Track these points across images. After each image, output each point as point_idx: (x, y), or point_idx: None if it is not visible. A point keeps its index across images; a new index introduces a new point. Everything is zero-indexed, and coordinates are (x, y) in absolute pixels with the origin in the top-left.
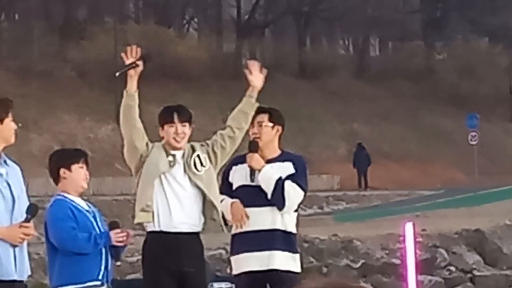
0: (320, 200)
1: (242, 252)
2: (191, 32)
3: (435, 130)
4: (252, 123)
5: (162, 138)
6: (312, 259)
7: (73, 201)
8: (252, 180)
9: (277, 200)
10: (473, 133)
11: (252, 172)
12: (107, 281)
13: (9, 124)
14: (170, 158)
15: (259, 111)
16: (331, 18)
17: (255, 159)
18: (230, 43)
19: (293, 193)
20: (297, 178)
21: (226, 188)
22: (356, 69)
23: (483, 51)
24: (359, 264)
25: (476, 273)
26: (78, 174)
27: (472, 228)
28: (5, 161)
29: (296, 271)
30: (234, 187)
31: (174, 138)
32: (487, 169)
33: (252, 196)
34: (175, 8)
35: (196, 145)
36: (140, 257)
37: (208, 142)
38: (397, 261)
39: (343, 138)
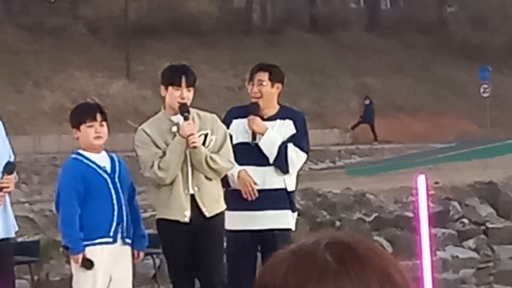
0: (332, 154)
1: (239, 209)
2: None
3: (447, 82)
4: (251, 80)
5: (163, 97)
6: (325, 213)
7: (89, 160)
8: (254, 142)
9: (281, 165)
10: (485, 85)
11: (254, 134)
12: (122, 238)
13: None
14: (174, 128)
15: (259, 69)
16: None
17: (257, 123)
18: None
19: (296, 158)
20: (299, 139)
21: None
22: (367, 23)
23: (495, 2)
24: (372, 218)
25: (489, 225)
26: (86, 134)
27: (485, 180)
28: None
29: (290, 228)
30: (234, 141)
31: (178, 102)
32: (500, 121)
33: (252, 155)
34: None
35: (207, 119)
36: (153, 212)
37: (213, 137)
38: (410, 214)
39: (356, 91)
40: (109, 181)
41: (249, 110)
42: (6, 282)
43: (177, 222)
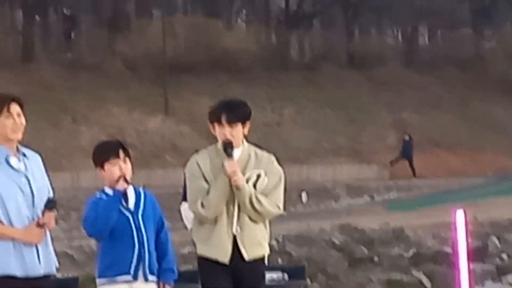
0: (370, 189)
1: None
2: (239, 24)
3: (485, 118)
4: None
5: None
6: (363, 249)
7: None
8: None
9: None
10: None
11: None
12: (144, 275)
13: (3, 121)
14: (229, 150)
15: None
16: (380, 8)
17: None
18: (278, 34)
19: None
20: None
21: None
22: (405, 59)
23: None
24: (410, 253)
25: None
26: (110, 173)
27: None
28: (23, 154)
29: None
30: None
31: (222, 140)
32: None
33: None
34: (223, 0)
35: (263, 158)
36: (191, 249)
37: (266, 178)
38: (449, 250)
39: (393, 127)
40: (131, 218)
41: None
42: None
43: (216, 261)
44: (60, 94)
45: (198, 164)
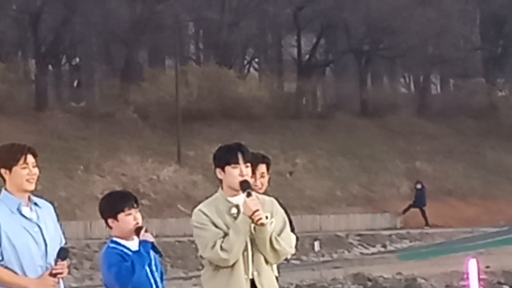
0: (383, 238)
1: None
2: (252, 73)
3: (498, 167)
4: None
5: (219, 180)
6: None
7: (124, 246)
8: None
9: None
10: None
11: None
12: None
13: (19, 171)
14: (234, 210)
15: (259, 161)
16: (392, 57)
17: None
18: (291, 83)
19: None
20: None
21: None
22: (417, 107)
23: None
24: None
25: None
26: (125, 224)
27: None
28: (35, 204)
29: None
30: None
31: (239, 180)
32: None
33: None
34: (235, 49)
35: (266, 202)
36: None
37: (273, 220)
38: None
39: (406, 176)
40: (147, 269)
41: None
42: None
43: None
44: (73, 143)
45: (204, 212)
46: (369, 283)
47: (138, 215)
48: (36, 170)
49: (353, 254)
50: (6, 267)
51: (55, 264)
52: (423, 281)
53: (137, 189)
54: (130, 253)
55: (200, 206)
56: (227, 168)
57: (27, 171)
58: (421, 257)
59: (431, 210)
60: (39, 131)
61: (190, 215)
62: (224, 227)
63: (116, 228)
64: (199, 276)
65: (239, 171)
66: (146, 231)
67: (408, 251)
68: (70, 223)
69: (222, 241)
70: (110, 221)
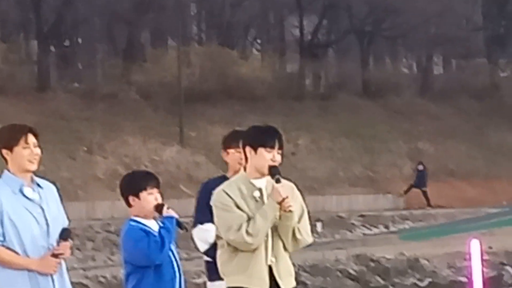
0: (386, 219)
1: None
2: (254, 53)
3: (501, 147)
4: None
5: (245, 159)
6: (378, 278)
7: (145, 225)
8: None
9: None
10: None
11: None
12: None
13: (20, 151)
14: (257, 193)
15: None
16: (394, 37)
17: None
18: (293, 63)
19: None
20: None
21: (210, 212)
22: (420, 88)
23: None
24: (425, 283)
25: None
26: (147, 202)
27: None
28: (38, 184)
29: None
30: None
31: (269, 165)
32: None
33: None
34: (238, 29)
35: (286, 187)
36: (205, 279)
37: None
38: (464, 279)
39: (408, 156)
40: (169, 248)
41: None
42: None
43: None
44: (75, 124)
45: (228, 194)
46: (372, 264)
47: (159, 197)
48: (37, 150)
49: (355, 235)
50: (8, 248)
51: (58, 245)
52: (425, 261)
53: (142, 170)
54: (152, 230)
55: (223, 187)
56: (261, 150)
57: (28, 151)
58: (424, 237)
59: (433, 191)
60: (41, 112)
61: (193, 196)
62: (247, 210)
63: (136, 206)
64: (201, 257)
65: (272, 156)
66: (168, 208)
67: (411, 231)
68: (73, 204)
69: (248, 225)
70: (131, 198)
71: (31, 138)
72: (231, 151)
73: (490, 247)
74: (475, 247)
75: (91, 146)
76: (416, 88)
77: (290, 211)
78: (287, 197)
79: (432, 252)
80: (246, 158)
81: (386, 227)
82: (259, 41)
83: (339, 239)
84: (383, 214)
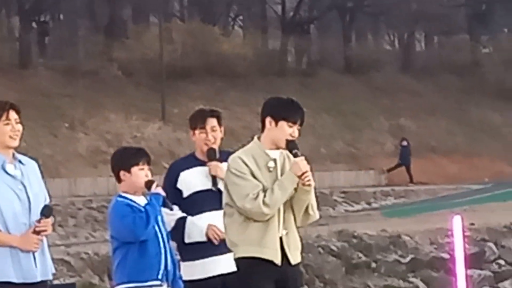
0: (368, 195)
1: (200, 258)
2: (236, 30)
3: (482, 123)
4: (203, 128)
5: (263, 128)
6: (360, 255)
7: (133, 200)
8: (215, 187)
9: None
10: None
11: (214, 179)
12: (167, 280)
13: (1, 128)
14: (271, 164)
15: (209, 115)
16: (376, 13)
17: (222, 169)
18: (275, 40)
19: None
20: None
21: (174, 196)
22: (401, 64)
23: None
24: (407, 259)
25: None
26: (137, 177)
27: None
28: (20, 161)
29: None
30: (187, 193)
31: (287, 139)
32: None
33: (215, 200)
34: (219, 6)
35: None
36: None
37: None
38: (446, 256)
39: (390, 133)
40: (155, 224)
41: (208, 155)
42: None
43: (270, 262)
44: (57, 101)
45: (244, 162)
46: (354, 240)
47: (149, 174)
48: (19, 127)
49: (337, 211)
50: None
51: (39, 221)
52: (407, 238)
53: (128, 146)
54: (139, 206)
55: (238, 154)
56: (282, 123)
57: (10, 127)
58: (406, 214)
59: (415, 167)
60: (23, 89)
61: None
62: (262, 180)
63: (126, 182)
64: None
65: (292, 131)
66: (157, 185)
67: (393, 208)
68: (55, 181)
69: (265, 195)
70: (122, 173)
71: (12, 114)
72: (196, 131)
73: (472, 224)
74: (457, 223)
75: (72, 122)
76: (398, 64)
77: (309, 185)
78: (307, 171)
79: (414, 228)
80: (263, 127)
81: (368, 203)
82: (241, 17)
83: (321, 216)
84: (365, 190)
